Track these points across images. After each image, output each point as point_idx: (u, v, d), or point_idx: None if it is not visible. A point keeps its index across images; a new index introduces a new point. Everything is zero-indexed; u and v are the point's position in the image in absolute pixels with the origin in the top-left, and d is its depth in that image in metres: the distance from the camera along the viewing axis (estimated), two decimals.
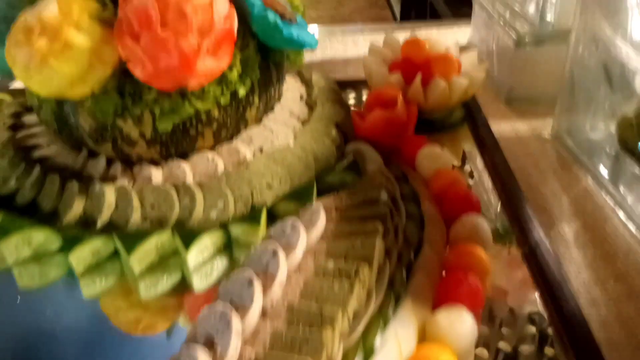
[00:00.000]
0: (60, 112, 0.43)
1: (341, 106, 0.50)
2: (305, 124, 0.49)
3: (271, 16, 0.42)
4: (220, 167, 0.44)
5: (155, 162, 0.44)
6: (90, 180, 0.43)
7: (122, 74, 0.39)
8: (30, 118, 0.51)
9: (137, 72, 0.38)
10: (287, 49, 0.45)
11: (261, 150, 0.46)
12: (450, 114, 0.52)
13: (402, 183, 0.43)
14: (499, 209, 0.45)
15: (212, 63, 0.38)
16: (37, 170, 0.43)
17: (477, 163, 0.50)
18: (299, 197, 0.43)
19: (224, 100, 0.43)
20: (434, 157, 0.43)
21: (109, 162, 0.44)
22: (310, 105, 0.52)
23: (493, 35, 0.63)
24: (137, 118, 0.41)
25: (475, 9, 0.71)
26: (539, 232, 0.40)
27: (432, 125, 0.51)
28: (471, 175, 0.48)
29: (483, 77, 0.51)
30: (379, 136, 0.47)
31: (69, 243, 0.40)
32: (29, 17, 0.37)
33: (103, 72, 0.38)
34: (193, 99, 0.41)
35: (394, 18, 2.13)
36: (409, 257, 0.38)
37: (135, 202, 0.40)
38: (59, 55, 0.36)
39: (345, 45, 0.78)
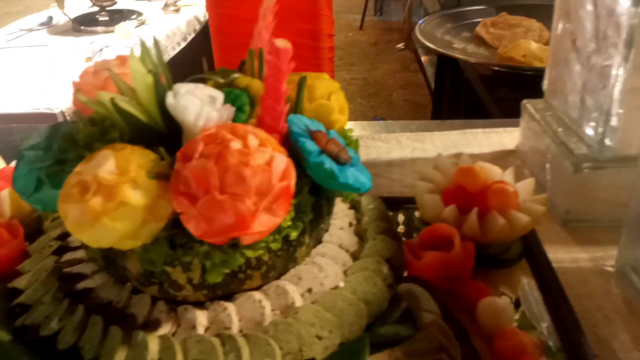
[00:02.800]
0: (107, 254, 0.42)
1: (393, 239, 0.48)
2: (355, 259, 0.47)
3: (327, 164, 0.40)
4: (268, 311, 0.42)
5: (199, 302, 0.43)
6: (133, 321, 0.42)
7: (173, 224, 0.38)
8: (74, 239, 0.50)
9: (191, 227, 0.37)
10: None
11: (310, 291, 0.44)
12: (507, 249, 0.49)
13: (462, 341, 0.40)
14: None
15: (268, 220, 0.37)
16: (80, 310, 0.42)
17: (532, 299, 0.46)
18: (350, 354, 0.40)
19: (275, 245, 0.41)
20: (497, 311, 0.41)
21: (153, 299, 0.43)
22: (360, 235, 0.50)
23: (546, 150, 0.61)
24: (186, 265, 0.40)
25: (525, 116, 0.70)
26: None
27: (486, 260, 0.49)
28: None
29: (544, 211, 0.49)
30: (435, 278, 0.44)
31: None
32: (84, 173, 0.36)
33: (156, 227, 0.37)
34: (244, 249, 0.40)
35: (427, 82, 2.14)
36: None
37: (179, 356, 0.39)
38: (113, 214, 0.35)
39: (388, 143, 0.77)
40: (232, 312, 0.42)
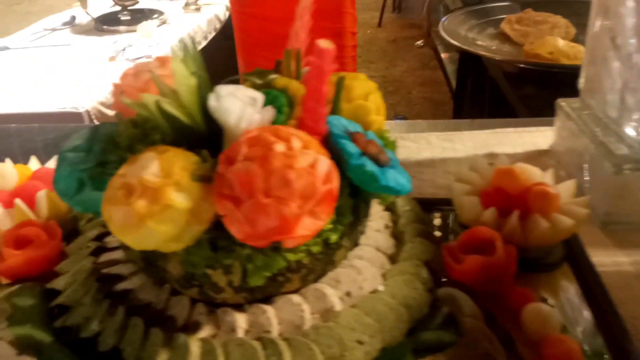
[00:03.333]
0: (148, 255, 0.42)
1: (431, 242, 0.48)
2: (393, 262, 0.46)
3: (368, 166, 0.40)
4: (307, 315, 0.42)
5: (238, 304, 0.43)
6: (173, 322, 0.42)
7: (215, 226, 0.38)
8: (111, 240, 0.50)
9: (233, 230, 0.36)
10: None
11: (348, 294, 0.43)
12: (548, 253, 0.48)
13: (507, 348, 0.39)
14: None
15: (311, 224, 0.36)
16: (120, 312, 0.42)
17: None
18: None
19: (316, 248, 0.41)
20: (542, 317, 0.40)
21: (192, 300, 0.43)
22: (397, 237, 0.49)
23: (584, 151, 0.60)
24: (226, 268, 0.40)
25: (560, 115, 0.68)
26: None
27: (526, 264, 0.48)
28: None
29: (587, 214, 0.47)
30: (476, 282, 0.43)
31: None
32: (129, 176, 0.36)
33: (199, 229, 0.37)
34: (285, 252, 0.39)
35: (447, 79, 2.12)
36: None
37: (221, 359, 0.38)
38: (158, 216, 0.35)
39: (417, 143, 0.76)
40: (272, 315, 0.42)
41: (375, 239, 0.48)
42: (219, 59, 1.96)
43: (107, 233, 0.51)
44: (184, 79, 0.38)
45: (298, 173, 0.35)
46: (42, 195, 0.51)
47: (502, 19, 1.44)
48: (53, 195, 0.51)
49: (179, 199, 0.35)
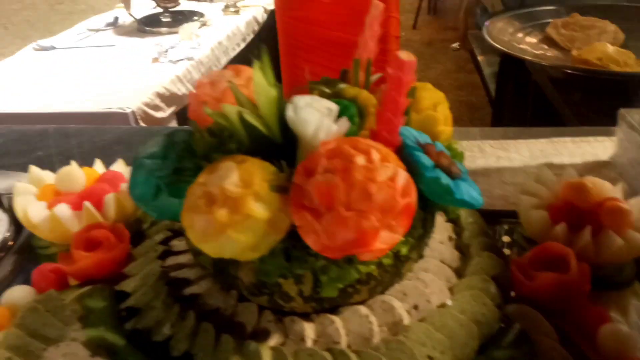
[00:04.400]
0: (219, 262, 0.42)
1: (498, 256, 0.47)
2: (458, 275, 0.46)
3: (443, 179, 0.39)
4: (375, 327, 0.41)
5: (305, 313, 0.43)
6: (242, 329, 0.42)
7: (289, 237, 0.38)
8: (177, 244, 0.51)
9: (310, 241, 0.36)
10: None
11: (416, 307, 0.43)
12: (619, 271, 0.47)
13: None
14: None
15: (389, 237, 0.36)
16: (191, 317, 0.42)
17: None
18: None
19: (387, 261, 0.41)
20: (621, 339, 0.38)
21: (259, 307, 0.43)
22: (461, 250, 0.49)
23: None
24: (298, 278, 0.40)
25: (622, 126, 0.66)
26: None
27: (597, 282, 0.46)
28: None
29: None
30: (547, 300, 0.42)
31: None
32: (209, 185, 0.37)
33: (275, 239, 0.37)
34: (358, 264, 0.39)
35: (484, 83, 2.08)
36: None
37: None
38: (238, 226, 0.35)
39: (470, 152, 0.75)
40: (340, 326, 0.42)
41: (439, 251, 0.48)
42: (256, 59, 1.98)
43: (173, 236, 0.52)
44: (264, 90, 0.38)
45: (379, 186, 0.35)
46: (110, 198, 0.52)
47: (548, 23, 1.41)
48: (120, 198, 0.53)
49: (258, 209, 0.36)
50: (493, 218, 0.54)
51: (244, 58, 1.82)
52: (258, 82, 0.38)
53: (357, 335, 0.41)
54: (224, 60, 1.70)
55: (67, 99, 1.35)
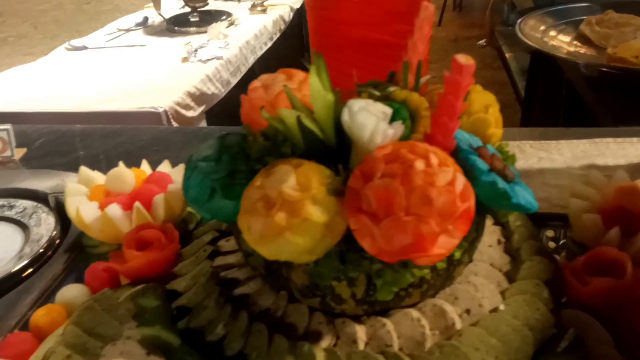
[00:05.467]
0: (271, 264, 0.43)
1: (550, 260, 0.46)
2: (510, 280, 0.45)
3: (500, 184, 0.39)
4: (427, 331, 0.41)
5: (356, 316, 0.43)
6: (294, 331, 0.42)
7: (344, 240, 0.38)
8: (225, 244, 0.52)
9: (366, 245, 0.37)
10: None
11: (468, 311, 0.43)
12: None
13: None
14: None
15: (447, 242, 0.36)
16: (244, 317, 0.43)
17: None
18: None
19: (441, 265, 0.41)
20: None
21: (310, 309, 0.44)
22: (511, 253, 0.48)
23: None
24: (351, 281, 0.40)
25: None
26: None
27: None
28: None
29: None
30: (601, 306, 0.42)
31: None
32: (267, 188, 0.37)
33: (331, 242, 0.37)
34: (413, 268, 0.39)
35: (511, 81, 2.05)
36: None
37: None
38: (296, 229, 0.36)
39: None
40: (391, 329, 0.42)
41: (489, 254, 0.47)
42: (280, 60, 1.99)
43: (221, 237, 0.52)
44: (321, 94, 0.38)
45: (439, 191, 0.35)
46: (159, 199, 0.53)
47: (581, 20, 1.38)
48: (169, 198, 0.54)
49: (316, 213, 0.36)
50: (538, 221, 0.54)
51: (271, 57, 1.83)
52: (315, 86, 0.38)
53: (409, 338, 0.41)
54: (251, 60, 1.71)
55: (100, 98, 1.38)
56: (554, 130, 0.79)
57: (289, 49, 2.15)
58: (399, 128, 0.39)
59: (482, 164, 0.40)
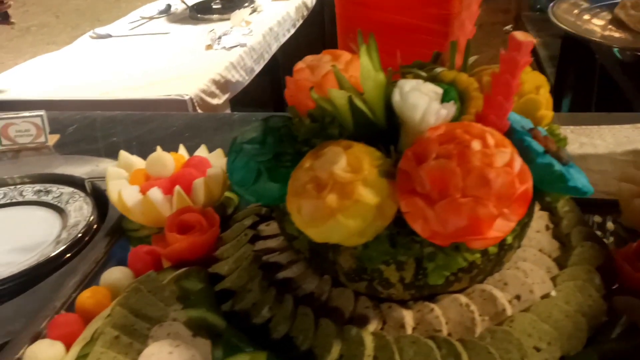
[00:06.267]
0: (317, 247, 0.42)
1: (601, 246, 0.45)
2: (560, 266, 0.44)
3: (556, 166, 0.38)
4: (477, 316, 0.41)
5: (402, 300, 0.42)
6: (340, 315, 0.42)
7: (394, 223, 0.38)
8: (265, 229, 0.52)
9: (418, 228, 0.36)
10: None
11: (518, 297, 0.42)
12: None
13: None
14: None
15: (504, 225, 0.35)
16: (289, 300, 0.43)
17: None
18: None
19: (492, 249, 0.40)
20: None
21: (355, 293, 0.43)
22: (560, 239, 0.47)
23: None
24: (400, 265, 0.39)
25: None
26: None
27: None
28: None
29: None
30: None
31: None
32: (317, 169, 0.36)
33: (382, 225, 0.37)
34: (465, 252, 0.38)
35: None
36: None
37: (397, 356, 0.38)
38: (348, 211, 0.35)
39: None
40: (439, 314, 0.41)
41: (537, 240, 0.46)
42: (304, 45, 1.97)
43: (261, 221, 0.52)
44: (371, 75, 0.37)
45: (497, 172, 0.33)
46: (199, 183, 0.53)
47: (616, 3, 1.34)
48: (209, 182, 0.53)
49: (368, 195, 0.35)
50: (585, 207, 0.52)
51: (293, 45, 1.82)
52: (365, 66, 0.37)
53: (458, 323, 0.41)
54: (274, 47, 1.70)
55: (125, 85, 1.39)
56: (595, 115, 0.77)
57: (310, 36, 2.13)
58: (451, 108, 0.38)
59: (537, 146, 0.38)
